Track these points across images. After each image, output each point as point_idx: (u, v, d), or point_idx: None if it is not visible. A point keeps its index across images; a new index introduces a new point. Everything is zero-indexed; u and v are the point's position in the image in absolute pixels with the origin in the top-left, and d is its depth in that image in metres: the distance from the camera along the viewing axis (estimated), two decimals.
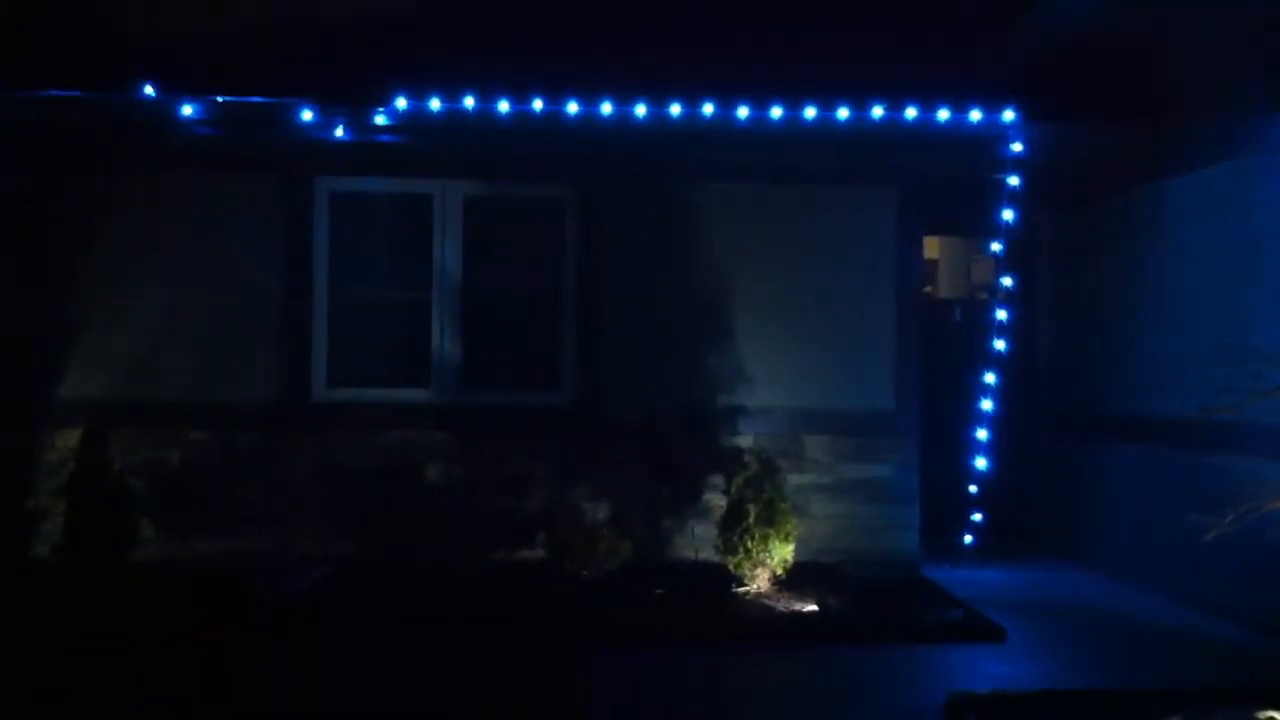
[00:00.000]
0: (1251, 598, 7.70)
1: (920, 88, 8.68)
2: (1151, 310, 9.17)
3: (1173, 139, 8.73)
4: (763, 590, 8.20)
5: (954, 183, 9.61)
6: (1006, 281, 9.27)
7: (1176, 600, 8.54)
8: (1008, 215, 9.10)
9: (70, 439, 8.51)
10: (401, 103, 8.51)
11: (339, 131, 8.81)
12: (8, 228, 8.96)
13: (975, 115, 8.69)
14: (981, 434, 9.24)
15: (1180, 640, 7.71)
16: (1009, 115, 8.69)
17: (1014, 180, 9.04)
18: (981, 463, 9.25)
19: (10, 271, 8.97)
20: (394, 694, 6.32)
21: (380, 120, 8.70)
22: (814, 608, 7.91)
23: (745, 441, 9.05)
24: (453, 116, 8.62)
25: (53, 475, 8.70)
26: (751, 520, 8.11)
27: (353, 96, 8.52)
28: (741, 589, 8.23)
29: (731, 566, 8.27)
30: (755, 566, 8.17)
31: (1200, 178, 8.56)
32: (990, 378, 9.21)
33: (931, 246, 12.65)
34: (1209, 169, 8.46)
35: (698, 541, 9.12)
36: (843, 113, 8.60)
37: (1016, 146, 8.94)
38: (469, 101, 8.54)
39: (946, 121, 8.69)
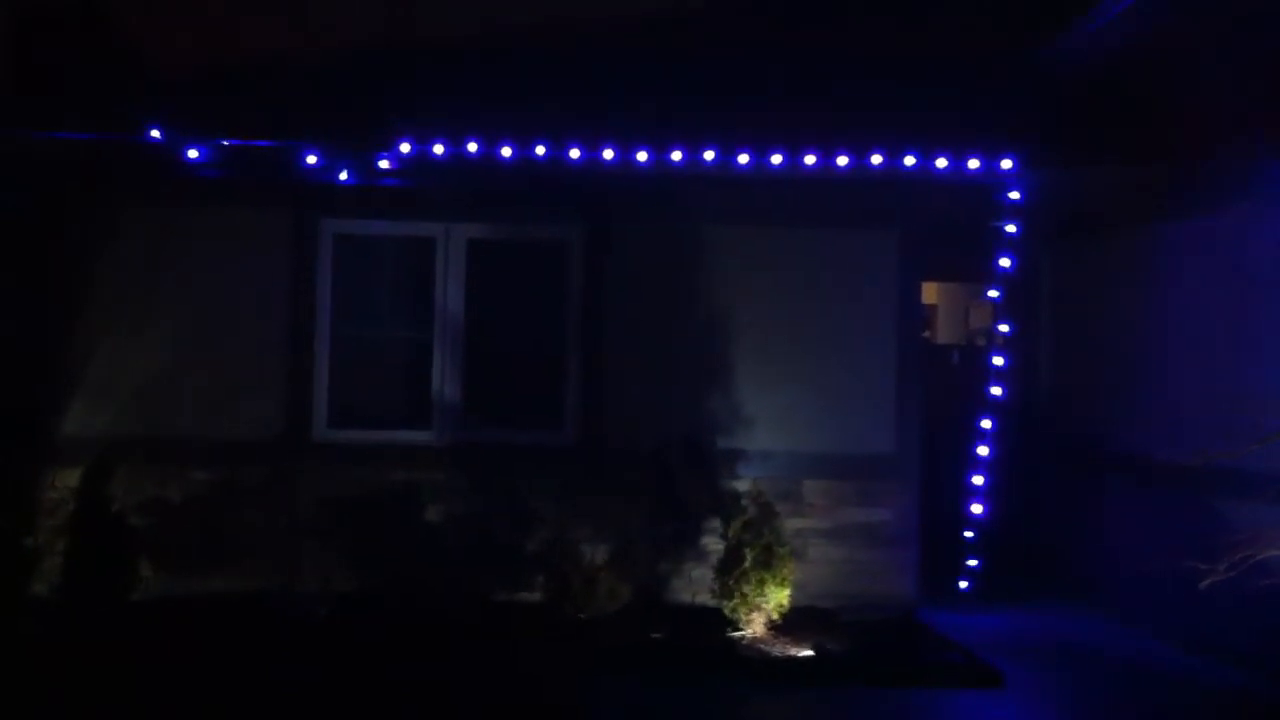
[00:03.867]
0: (1254, 641, 7.69)
1: (922, 135, 8.78)
2: (1152, 353, 9.20)
3: (1173, 185, 8.79)
4: (759, 635, 8.20)
5: (953, 228, 9.66)
6: (1004, 328, 9.33)
7: (1178, 644, 8.51)
8: (1005, 262, 9.18)
9: (70, 477, 8.54)
10: (405, 147, 8.60)
11: (343, 175, 8.91)
12: (8, 265, 9.00)
13: (974, 164, 8.78)
14: (979, 479, 9.28)
15: (1181, 685, 7.71)
16: (1007, 164, 8.78)
17: (1011, 227, 9.14)
18: (978, 508, 9.29)
19: (11, 308, 9.01)
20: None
21: (384, 164, 8.81)
22: (810, 653, 7.92)
23: (744, 485, 9.04)
24: (456, 161, 8.72)
25: (53, 513, 8.70)
26: (748, 565, 8.12)
27: (357, 141, 8.62)
28: (738, 634, 8.23)
29: (728, 611, 8.27)
30: (751, 611, 8.18)
31: (1200, 223, 8.63)
32: (987, 423, 9.27)
33: (930, 292, 12.72)
34: (1210, 214, 8.51)
35: (695, 585, 9.12)
36: (842, 160, 8.70)
37: (1014, 195, 9.04)
38: (472, 146, 8.63)
39: (945, 170, 8.78)
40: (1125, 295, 9.66)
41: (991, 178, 8.95)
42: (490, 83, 8.93)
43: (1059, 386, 10.86)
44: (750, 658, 7.85)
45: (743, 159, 8.69)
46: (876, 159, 8.72)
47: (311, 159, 8.68)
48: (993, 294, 9.43)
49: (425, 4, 8.85)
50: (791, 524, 8.89)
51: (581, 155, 8.67)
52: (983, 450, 9.28)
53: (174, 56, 8.85)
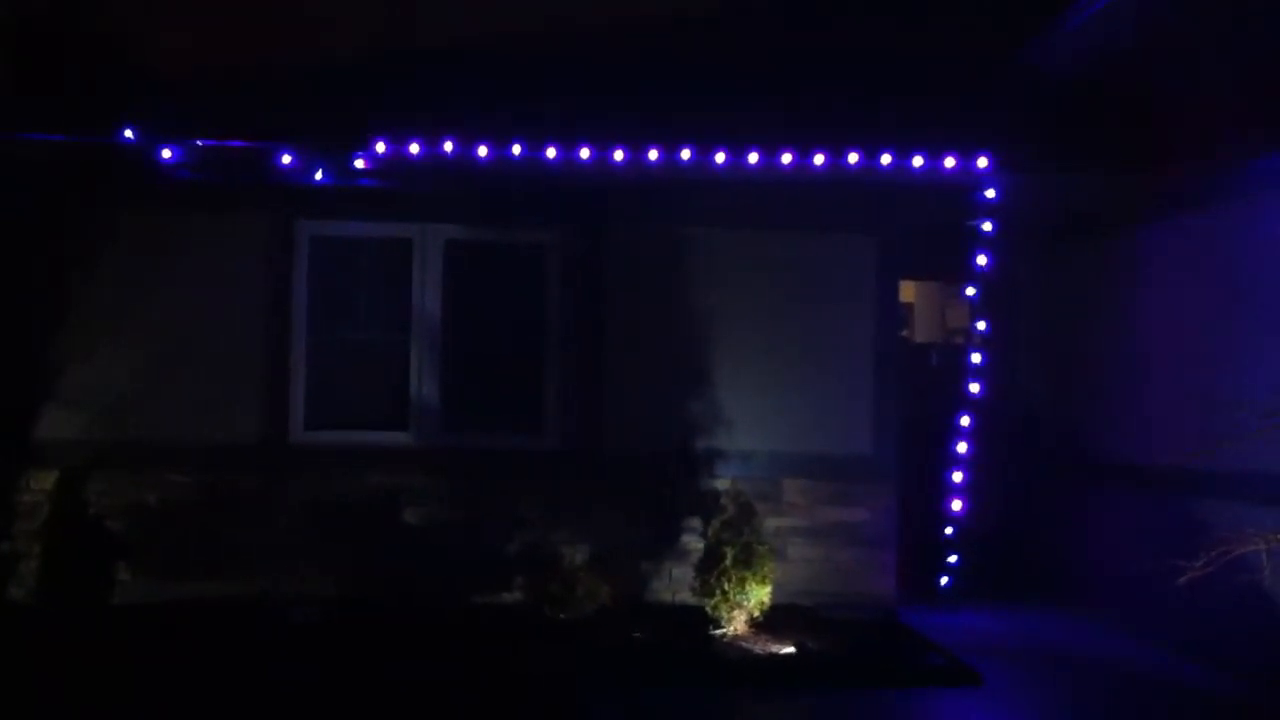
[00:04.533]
0: (1231, 642, 7.71)
1: (901, 136, 8.80)
2: (1132, 354, 9.23)
3: (1157, 185, 8.81)
4: (740, 633, 8.20)
5: (931, 227, 9.66)
6: (981, 326, 9.36)
7: (1158, 644, 8.53)
8: (982, 260, 9.21)
9: (46, 480, 8.48)
10: (381, 147, 8.58)
11: (319, 175, 8.87)
12: None
13: (949, 163, 8.81)
14: (958, 477, 9.30)
15: (1160, 685, 7.72)
16: (982, 163, 8.81)
17: (988, 226, 9.16)
18: (958, 506, 9.31)
19: None
20: None
21: (360, 164, 8.78)
22: (791, 650, 7.92)
23: (723, 484, 9.03)
24: (432, 161, 8.69)
25: (29, 517, 8.63)
26: (728, 563, 8.12)
27: (332, 141, 8.60)
28: (719, 631, 8.23)
29: (709, 609, 8.26)
30: (732, 609, 8.17)
31: (1179, 224, 8.65)
32: (966, 421, 9.29)
33: (907, 291, 12.71)
34: (1188, 215, 8.54)
35: (676, 584, 9.11)
36: (818, 159, 8.71)
37: (990, 194, 9.06)
38: (448, 146, 8.61)
39: (921, 169, 8.80)
40: (1108, 296, 9.69)
41: (967, 177, 8.98)
42: (467, 83, 8.90)
43: (1043, 387, 10.87)
44: (732, 655, 7.84)
45: (719, 158, 8.70)
46: (853, 158, 8.74)
47: (286, 159, 8.65)
48: (970, 292, 9.45)
49: (409, 12, 8.84)
50: (771, 523, 8.93)
51: (558, 155, 8.66)
52: (961, 447, 9.30)
53: (151, 58, 8.79)
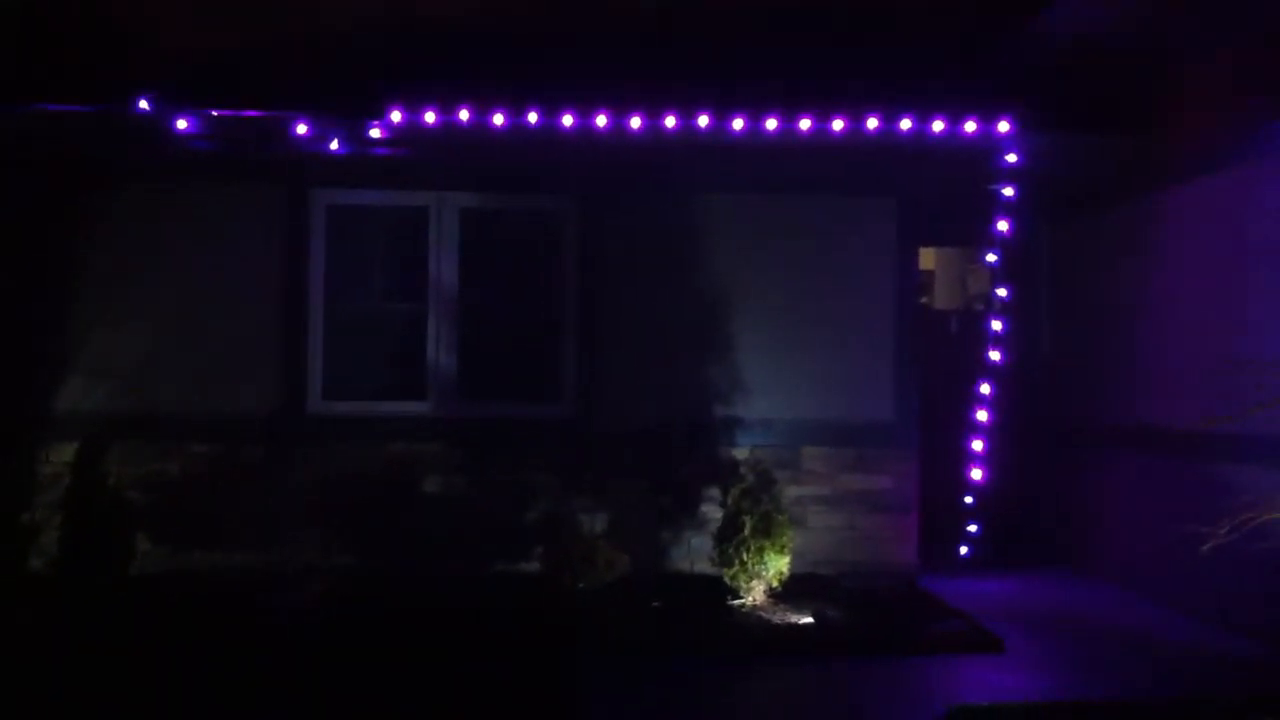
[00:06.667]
0: (1254, 608, 7.67)
1: (918, 98, 8.70)
2: (1151, 319, 9.15)
3: (1171, 149, 8.72)
4: (759, 602, 8.18)
5: (950, 193, 9.61)
6: (1002, 292, 9.30)
7: (1179, 610, 8.51)
8: (1004, 226, 9.13)
9: (66, 452, 8.52)
10: (396, 115, 8.52)
11: (334, 144, 8.85)
12: (4, 243, 8.96)
13: (970, 126, 8.70)
14: (978, 445, 9.25)
15: (1180, 649, 7.67)
16: (1004, 126, 8.70)
17: (1009, 191, 9.08)
18: (978, 473, 9.26)
19: (6, 285, 8.96)
20: (390, 701, 6.31)
21: (375, 133, 8.74)
22: (810, 620, 7.89)
23: (742, 453, 9.05)
24: (448, 129, 8.64)
25: (49, 489, 8.69)
26: (747, 532, 8.09)
27: (348, 109, 8.55)
28: (737, 601, 8.21)
29: (728, 579, 8.24)
30: (751, 579, 8.15)
31: (1198, 187, 8.55)
32: (987, 388, 9.24)
33: (927, 257, 12.65)
34: (1207, 178, 8.44)
35: (694, 553, 9.12)
36: (838, 124, 8.61)
37: (1011, 158, 8.98)
38: (464, 114, 8.55)
39: (941, 133, 8.70)
40: (1124, 262, 9.59)
41: (988, 141, 8.89)
42: (483, 51, 8.83)
43: (1060, 353, 10.80)
44: (750, 625, 7.82)
45: (737, 124, 8.60)
46: (872, 123, 8.63)
47: (302, 128, 8.61)
48: (991, 258, 9.38)
49: None
50: (791, 491, 8.91)
51: (575, 122, 8.58)
52: (982, 415, 9.25)
53: (165, 28, 8.74)
